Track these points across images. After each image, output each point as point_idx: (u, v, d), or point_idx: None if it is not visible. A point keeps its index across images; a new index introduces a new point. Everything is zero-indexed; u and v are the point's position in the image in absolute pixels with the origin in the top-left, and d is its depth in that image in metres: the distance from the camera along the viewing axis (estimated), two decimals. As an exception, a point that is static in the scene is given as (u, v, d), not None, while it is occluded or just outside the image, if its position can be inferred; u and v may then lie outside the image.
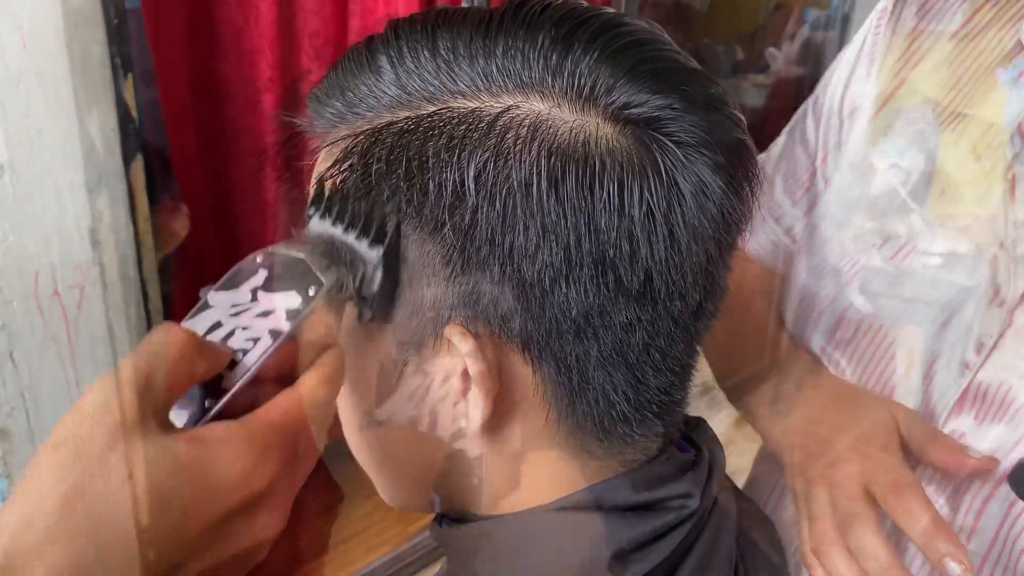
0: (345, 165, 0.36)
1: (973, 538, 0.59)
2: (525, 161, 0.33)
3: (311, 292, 0.34)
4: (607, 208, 0.32)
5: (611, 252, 0.33)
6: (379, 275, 0.36)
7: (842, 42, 2.65)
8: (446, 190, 0.33)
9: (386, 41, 0.37)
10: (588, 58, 0.34)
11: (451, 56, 0.35)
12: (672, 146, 0.34)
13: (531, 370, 0.37)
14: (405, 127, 0.35)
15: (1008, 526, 0.57)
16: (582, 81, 0.34)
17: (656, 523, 0.38)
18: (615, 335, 0.35)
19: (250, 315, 0.33)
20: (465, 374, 0.36)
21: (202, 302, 0.35)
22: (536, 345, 0.36)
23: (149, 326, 1.30)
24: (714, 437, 0.46)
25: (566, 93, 0.34)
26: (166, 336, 0.32)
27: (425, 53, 0.35)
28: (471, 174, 0.33)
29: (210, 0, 1.35)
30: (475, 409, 0.37)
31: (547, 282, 0.34)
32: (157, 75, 1.38)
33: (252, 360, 0.32)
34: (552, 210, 0.32)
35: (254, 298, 0.34)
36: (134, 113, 1.15)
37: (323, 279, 0.34)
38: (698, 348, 0.39)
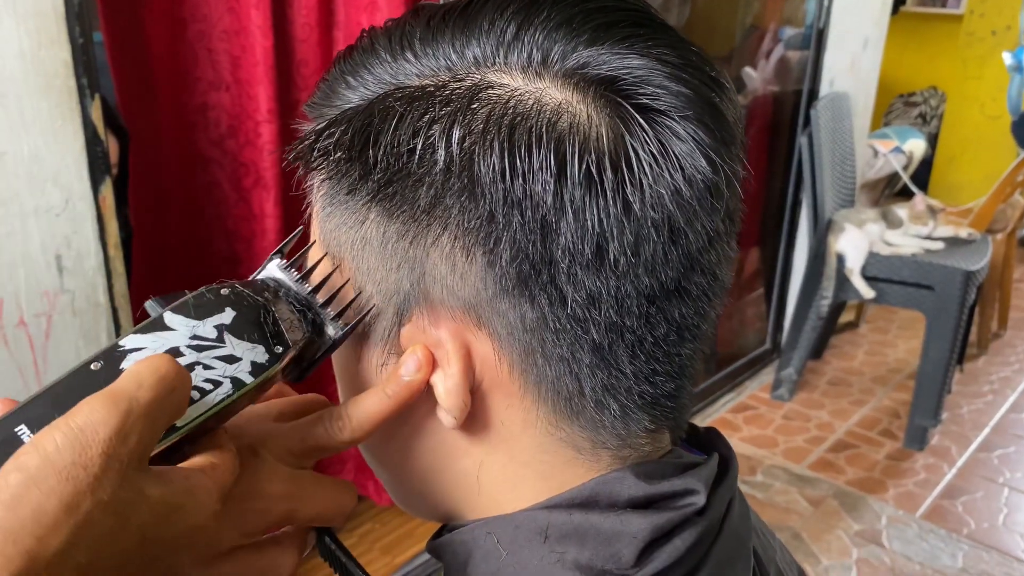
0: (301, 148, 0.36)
1: None
2: (457, 130, 0.32)
3: (278, 351, 0.34)
4: (544, 169, 0.31)
5: (552, 216, 0.31)
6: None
7: (818, 59, 2.67)
8: (382, 163, 0.33)
9: (360, 49, 0.36)
10: (544, 27, 0.33)
11: (408, 44, 0.35)
12: (629, 107, 0.32)
13: (494, 355, 0.35)
14: (354, 111, 0.35)
15: None
16: (536, 50, 0.33)
17: (659, 521, 0.35)
18: (575, 308, 0.33)
19: (213, 355, 0.33)
20: (433, 364, 0.35)
21: (155, 318, 0.34)
22: (488, 319, 0.34)
23: (121, 356, 1.26)
24: (727, 443, 0.43)
25: (523, 65, 0.33)
26: (163, 370, 0.31)
27: (388, 54, 0.35)
28: (405, 145, 0.32)
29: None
30: (453, 401, 0.35)
31: (491, 252, 0.32)
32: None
33: (211, 402, 0.33)
34: (485, 174, 0.31)
35: (220, 338, 0.34)
36: (102, 135, 1.12)
37: (290, 342, 0.35)
38: (691, 338, 0.36)
